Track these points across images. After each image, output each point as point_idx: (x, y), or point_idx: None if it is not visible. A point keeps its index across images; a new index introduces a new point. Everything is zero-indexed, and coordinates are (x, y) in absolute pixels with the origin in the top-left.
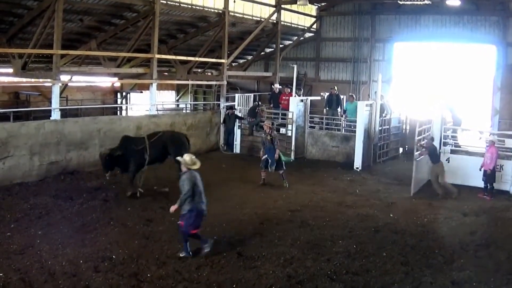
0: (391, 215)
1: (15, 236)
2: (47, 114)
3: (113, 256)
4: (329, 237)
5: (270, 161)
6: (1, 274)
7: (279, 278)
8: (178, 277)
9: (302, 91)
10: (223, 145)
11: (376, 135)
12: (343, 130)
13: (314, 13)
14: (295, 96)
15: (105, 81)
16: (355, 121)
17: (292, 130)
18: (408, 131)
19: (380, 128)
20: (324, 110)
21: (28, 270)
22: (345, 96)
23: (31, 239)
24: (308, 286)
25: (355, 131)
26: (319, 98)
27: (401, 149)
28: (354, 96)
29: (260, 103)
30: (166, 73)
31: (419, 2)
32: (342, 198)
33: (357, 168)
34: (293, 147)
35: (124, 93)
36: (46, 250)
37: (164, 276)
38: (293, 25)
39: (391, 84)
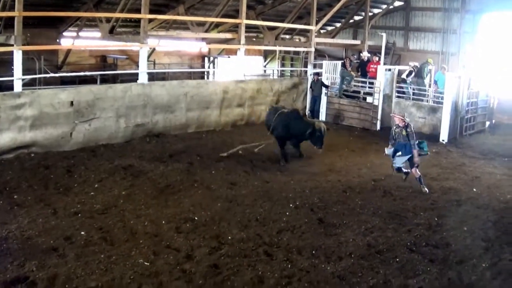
0: (474, 190)
1: (98, 196)
2: (134, 78)
3: (196, 218)
4: (411, 208)
5: (396, 159)
6: (83, 233)
7: (359, 247)
8: (258, 241)
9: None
10: (309, 112)
11: (464, 108)
12: (431, 101)
13: None
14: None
15: (193, 46)
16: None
17: (379, 99)
18: (495, 105)
19: (468, 101)
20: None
21: (110, 229)
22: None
23: (115, 199)
24: (387, 256)
25: (442, 103)
26: (407, 68)
27: (487, 123)
28: (445, 67)
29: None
30: (254, 39)
31: None
32: (426, 170)
33: (443, 140)
34: (379, 117)
35: (211, 58)
36: (129, 210)
37: (245, 239)
38: None
39: (479, 57)
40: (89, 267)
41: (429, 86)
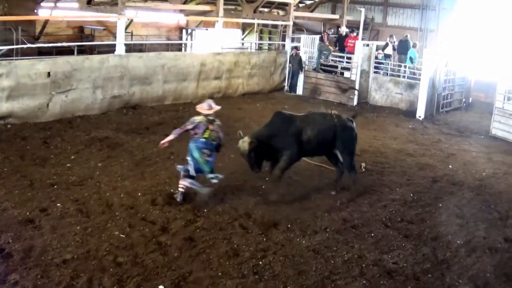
0: (450, 167)
1: (75, 167)
2: (111, 49)
3: (172, 190)
4: (387, 183)
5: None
6: (59, 204)
7: (334, 221)
8: (234, 214)
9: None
10: (287, 87)
11: (441, 85)
12: (407, 77)
13: None
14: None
15: (171, 18)
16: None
17: (356, 74)
18: (472, 83)
19: (445, 78)
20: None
21: (86, 201)
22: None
23: (91, 171)
24: (362, 231)
25: (419, 79)
26: (384, 43)
27: (464, 100)
28: (417, 43)
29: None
30: (232, 12)
31: None
32: (402, 146)
33: (420, 116)
34: (356, 92)
35: (189, 30)
36: (105, 182)
37: (220, 212)
38: None
39: (457, 35)
40: (64, 239)
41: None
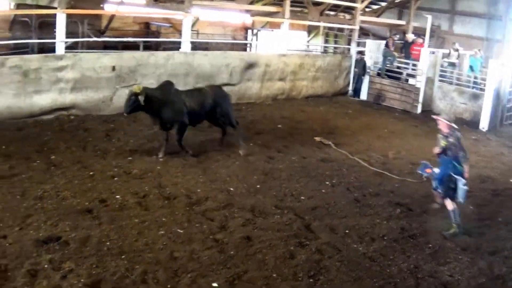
0: (511, 180)
1: (136, 161)
2: (176, 46)
3: (231, 189)
4: None
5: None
6: (119, 196)
7: (392, 229)
8: (292, 216)
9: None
10: (351, 91)
11: (506, 96)
12: (471, 87)
13: None
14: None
15: (237, 18)
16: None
17: (421, 81)
18: None
19: (510, 89)
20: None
21: (146, 195)
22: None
23: (152, 165)
24: (420, 241)
25: (483, 90)
26: (448, 51)
27: None
28: (478, 51)
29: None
30: (298, 14)
31: None
32: None
33: (483, 128)
34: (420, 99)
35: (254, 31)
36: (166, 177)
37: (279, 213)
38: None
39: None
40: (122, 230)
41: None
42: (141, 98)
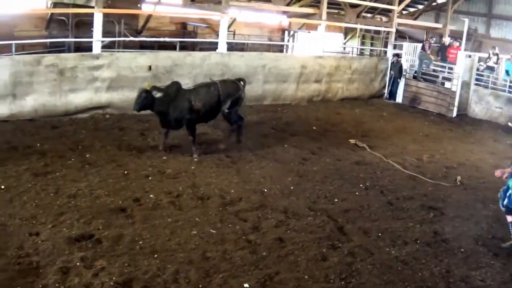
0: None
1: (170, 160)
2: (212, 47)
3: (265, 190)
4: (481, 199)
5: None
6: (152, 196)
7: (425, 233)
8: (325, 218)
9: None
10: (387, 94)
11: None
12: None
13: None
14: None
15: (273, 19)
16: None
17: (457, 85)
18: None
19: None
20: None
21: (179, 194)
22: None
23: (186, 165)
24: (452, 245)
25: None
26: (487, 54)
27: None
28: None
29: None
30: (335, 15)
31: None
32: (499, 162)
33: None
34: (456, 103)
35: (291, 32)
36: (200, 177)
37: (312, 215)
38: None
39: None
40: (155, 230)
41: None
42: (155, 94)
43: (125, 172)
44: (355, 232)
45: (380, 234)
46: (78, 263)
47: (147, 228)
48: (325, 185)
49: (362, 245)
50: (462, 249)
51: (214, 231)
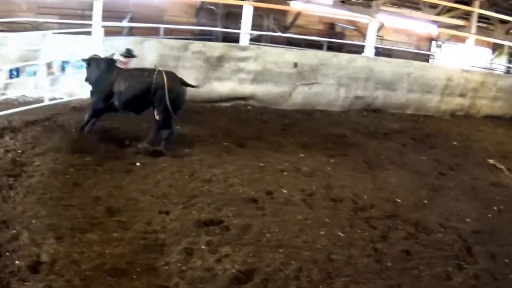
0: None
1: (307, 158)
2: (358, 50)
3: (398, 200)
4: None
5: None
6: (285, 191)
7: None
8: (455, 236)
9: None
10: None
11: None
12: None
13: None
14: None
15: (422, 27)
16: None
17: None
18: None
19: None
20: None
21: (312, 193)
22: None
23: (322, 164)
24: None
25: None
26: None
27: None
28: None
29: None
30: (484, 30)
31: None
32: None
33: None
34: None
35: (439, 42)
36: (334, 178)
37: (442, 232)
38: None
39: None
40: (284, 224)
41: None
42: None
43: (261, 164)
44: (483, 254)
45: (507, 260)
46: (203, 247)
47: (276, 222)
48: (458, 203)
49: (487, 269)
50: None
51: (342, 235)
